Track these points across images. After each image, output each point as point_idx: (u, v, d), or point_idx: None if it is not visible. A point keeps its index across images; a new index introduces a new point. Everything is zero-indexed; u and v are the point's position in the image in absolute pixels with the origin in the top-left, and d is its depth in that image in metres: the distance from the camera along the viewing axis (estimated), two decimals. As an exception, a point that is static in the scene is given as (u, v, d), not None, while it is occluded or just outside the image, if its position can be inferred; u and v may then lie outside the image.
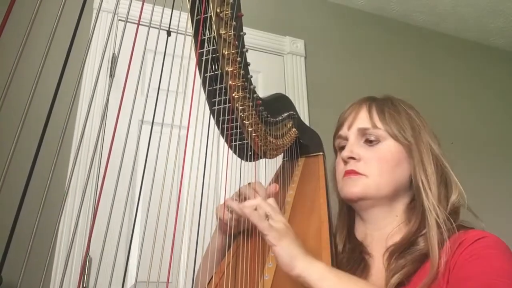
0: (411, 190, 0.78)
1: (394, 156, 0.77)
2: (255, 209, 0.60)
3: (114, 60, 1.78)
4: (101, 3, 0.48)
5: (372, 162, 0.76)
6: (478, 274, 0.60)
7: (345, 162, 0.78)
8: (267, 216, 0.60)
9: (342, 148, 0.82)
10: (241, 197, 0.77)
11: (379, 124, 0.78)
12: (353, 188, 0.76)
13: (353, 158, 0.77)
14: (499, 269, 0.60)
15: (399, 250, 0.71)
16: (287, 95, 2.03)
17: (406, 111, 0.81)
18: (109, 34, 0.54)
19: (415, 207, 0.75)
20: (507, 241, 0.67)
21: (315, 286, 0.56)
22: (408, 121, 0.79)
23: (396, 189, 0.77)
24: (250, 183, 0.79)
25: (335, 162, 0.86)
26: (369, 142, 0.78)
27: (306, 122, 2.05)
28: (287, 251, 0.57)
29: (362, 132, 0.79)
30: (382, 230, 0.77)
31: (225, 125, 0.74)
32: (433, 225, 0.69)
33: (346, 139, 0.81)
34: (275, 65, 2.19)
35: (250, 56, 0.73)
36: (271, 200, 0.65)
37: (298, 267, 0.56)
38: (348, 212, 0.85)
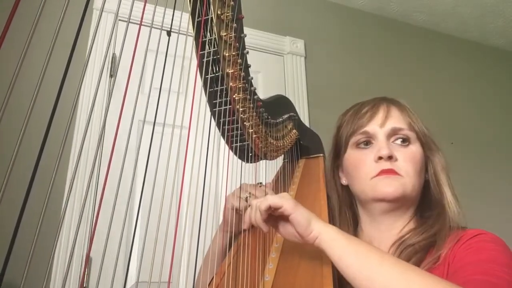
0: (420, 194, 0.80)
1: (422, 158, 0.78)
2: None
3: (115, 60, 1.78)
4: (104, 4, 0.48)
5: (408, 162, 0.76)
6: (475, 262, 0.62)
7: (378, 160, 0.76)
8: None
9: (364, 143, 0.79)
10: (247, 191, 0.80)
11: (412, 125, 0.79)
12: (391, 187, 0.74)
13: (390, 157, 0.75)
14: (496, 259, 0.61)
15: (404, 244, 0.73)
16: (287, 95, 2.03)
17: (416, 114, 0.83)
18: (111, 34, 0.54)
19: (433, 209, 0.77)
20: (507, 241, 0.68)
21: (328, 246, 0.59)
22: (423, 124, 0.82)
23: (419, 191, 0.78)
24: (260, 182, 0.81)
25: (352, 158, 0.81)
26: (402, 142, 0.78)
27: (306, 122, 2.06)
28: (305, 216, 0.61)
29: (395, 131, 0.78)
30: (392, 231, 0.78)
31: (226, 127, 0.74)
32: (447, 226, 0.72)
33: (372, 136, 0.79)
34: (275, 65, 2.19)
35: (250, 56, 0.73)
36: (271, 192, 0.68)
37: (316, 228, 0.60)
38: (349, 215, 0.85)
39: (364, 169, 0.77)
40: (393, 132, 0.78)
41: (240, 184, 0.79)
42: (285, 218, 0.63)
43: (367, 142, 0.79)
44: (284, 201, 0.61)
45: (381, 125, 0.79)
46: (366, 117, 0.80)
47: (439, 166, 0.79)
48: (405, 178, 0.74)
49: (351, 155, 0.81)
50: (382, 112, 0.80)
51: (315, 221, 0.61)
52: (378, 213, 0.78)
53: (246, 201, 0.76)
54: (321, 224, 0.61)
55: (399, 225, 0.78)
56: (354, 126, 0.81)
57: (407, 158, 0.76)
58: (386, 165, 0.75)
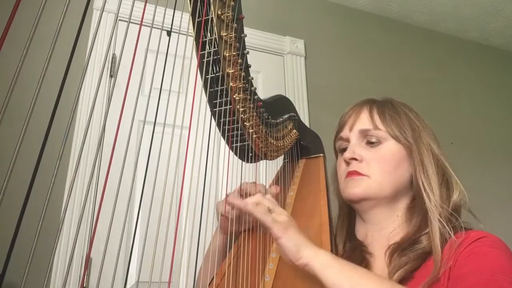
0: (411, 190, 0.79)
1: (395, 156, 0.77)
2: (257, 205, 0.62)
3: (115, 60, 1.78)
4: (104, 4, 0.48)
5: (374, 162, 0.77)
6: (478, 270, 0.61)
7: (347, 163, 0.79)
8: (269, 211, 0.62)
9: (344, 150, 0.82)
10: (241, 193, 0.78)
11: (380, 125, 0.79)
12: (355, 188, 0.76)
13: (355, 159, 0.78)
14: (499, 266, 0.61)
15: (401, 248, 0.71)
16: (287, 95, 2.04)
17: (406, 112, 0.82)
18: (112, 34, 0.54)
19: (416, 207, 0.76)
20: (507, 241, 0.68)
21: (320, 273, 0.57)
22: (408, 122, 0.80)
23: (397, 189, 0.77)
24: (254, 182, 0.80)
25: (336, 164, 0.87)
26: (370, 143, 0.79)
27: (306, 122, 2.06)
28: (293, 241, 0.59)
29: (364, 133, 0.80)
30: (383, 231, 0.78)
31: (226, 127, 0.74)
32: (436, 225, 0.70)
33: (347, 140, 0.82)
34: (275, 65, 2.19)
35: (250, 56, 0.73)
36: (269, 197, 0.66)
37: (305, 255, 0.58)
38: (349, 213, 0.86)
39: (339, 172, 0.82)
40: (362, 134, 0.80)
41: (240, 184, 0.79)
42: None
43: (345, 147, 0.82)
44: (275, 224, 0.59)
45: (350, 128, 0.82)
46: (342, 122, 0.85)
47: (419, 164, 0.77)
48: (370, 178, 0.76)
49: (337, 161, 0.86)
50: (353, 115, 0.83)
51: (304, 247, 0.59)
52: (362, 212, 0.81)
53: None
54: (310, 251, 0.59)
55: (387, 224, 0.78)
56: (336, 132, 0.86)
57: (375, 158, 0.77)
58: (351, 167, 0.78)
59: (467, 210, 0.77)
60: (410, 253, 0.69)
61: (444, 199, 0.74)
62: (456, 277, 0.62)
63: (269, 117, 0.85)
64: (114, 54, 1.81)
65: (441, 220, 0.70)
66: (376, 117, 0.80)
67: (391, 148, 0.78)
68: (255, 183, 0.79)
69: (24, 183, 0.32)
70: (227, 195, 0.76)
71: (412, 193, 0.79)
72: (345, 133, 0.83)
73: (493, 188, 2.44)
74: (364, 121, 0.81)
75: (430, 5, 2.59)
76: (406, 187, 0.78)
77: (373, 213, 0.79)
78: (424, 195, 0.74)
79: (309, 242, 0.60)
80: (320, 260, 0.58)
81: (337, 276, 0.56)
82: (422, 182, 0.75)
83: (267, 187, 0.82)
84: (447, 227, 0.69)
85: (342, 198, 0.85)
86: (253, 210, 0.61)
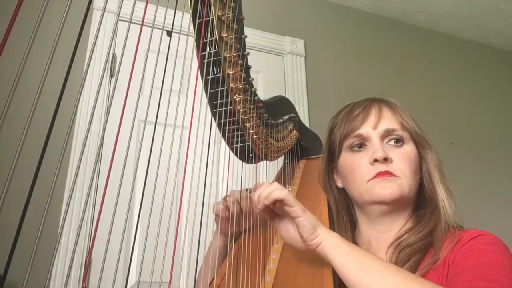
0: (416, 193, 0.79)
1: (416, 157, 0.78)
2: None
3: (115, 60, 1.78)
4: (105, 4, 0.48)
5: (402, 163, 0.75)
6: (476, 265, 0.61)
7: (374, 163, 0.75)
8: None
9: (357, 146, 0.79)
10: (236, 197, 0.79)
11: (406, 125, 0.79)
12: (388, 189, 0.73)
13: (386, 159, 0.75)
14: (496, 262, 0.61)
15: (402, 245, 0.73)
16: (287, 95, 2.03)
17: (408, 113, 0.82)
18: (113, 34, 0.54)
19: (427, 207, 0.77)
20: (507, 241, 0.68)
21: (330, 253, 0.60)
22: (415, 122, 0.81)
23: (416, 191, 0.78)
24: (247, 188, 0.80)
25: (342, 161, 0.81)
26: (396, 142, 0.77)
27: (306, 123, 2.06)
28: (311, 221, 0.62)
29: (389, 132, 0.78)
30: (390, 233, 0.78)
31: (227, 128, 0.74)
32: (443, 223, 0.72)
33: (366, 139, 0.78)
34: (275, 65, 2.19)
35: (250, 56, 0.73)
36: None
37: (320, 234, 0.61)
38: (346, 218, 0.84)
39: (360, 172, 0.77)
40: (387, 133, 0.78)
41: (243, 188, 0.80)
42: (289, 218, 0.63)
43: (361, 144, 0.78)
44: (296, 203, 0.62)
45: (374, 126, 0.78)
46: (358, 120, 0.79)
47: (431, 164, 0.78)
48: (401, 179, 0.74)
49: (346, 159, 0.80)
50: (374, 113, 0.79)
51: (320, 228, 0.62)
52: (376, 215, 0.78)
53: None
54: (325, 231, 0.62)
55: (396, 226, 0.77)
56: (347, 129, 0.80)
57: (402, 158, 0.76)
58: (382, 167, 0.74)
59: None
60: (414, 244, 0.71)
61: (449, 200, 0.76)
62: (454, 273, 0.63)
63: (270, 118, 0.86)
64: (114, 54, 1.81)
65: (448, 219, 0.73)
66: (398, 117, 0.79)
67: (412, 149, 0.78)
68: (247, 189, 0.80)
69: (25, 183, 0.32)
70: (225, 197, 0.77)
71: (418, 195, 0.79)
72: (365, 130, 0.78)
73: (493, 188, 2.44)
74: (389, 120, 0.79)
75: (430, 5, 2.59)
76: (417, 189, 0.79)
77: (388, 216, 0.77)
78: (437, 197, 0.76)
79: (322, 224, 0.63)
80: (333, 241, 0.61)
81: (347, 256, 0.59)
82: (430, 185, 0.77)
83: (289, 187, 0.82)
84: (451, 224, 0.72)
85: (342, 201, 0.84)
86: (277, 193, 0.62)
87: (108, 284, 0.45)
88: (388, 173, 0.74)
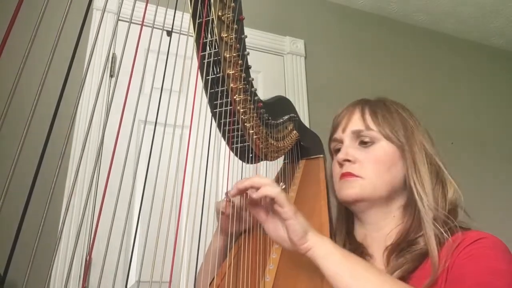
0: (406, 190, 0.78)
1: (388, 157, 0.77)
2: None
3: (115, 60, 1.78)
4: (105, 4, 0.48)
5: (367, 163, 0.77)
6: (476, 273, 0.61)
7: (341, 165, 0.79)
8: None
9: (338, 150, 0.82)
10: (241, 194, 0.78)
11: (372, 125, 0.79)
12: (349, 190, 0.76)
13: (348, 160, 0.78)
14: (497, 269, 0.60)
15: (398, 249, 0.71)
16: (287, 95, 2.03)
17: (398, 112, 0.82)
18: (113, 34, 0.54)
19: (410, 207, 0.76)
20: (506, 241, 0.67)
21: (321, 260, 0.57)
22: (401, 121, 0.80)
23: (391, 190, 0.77)
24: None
25: (332, 165, 0.86)
26: (363, 143, 0.79)
27: (306, 122, 2.06)
28: (302, 225, 0.59)
29: (356, 134, 0.80)
30: (380, 231, 0.78)
31: (227, 128, 0.74)
32: (430, 225, 0.70)
33: (341, 142, 0.82)
34: (275, 65, 2.19)
35: (250, 56, 0.73)
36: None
37: (311, 240, 0.58)
38: (347, 214, 0.85)
39: (334, 174, 0.82)
40: (355, 135, 0.80)
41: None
42: (280, 219, 0.60)
43: (339, 148, 0.82)
44: (288, 204, 0.58)
45: (343, 130, 0.82)
46: (336, 124, 0.85)
47: (409, 160, 0.77)
48: (364, 179, 0.76)
49: (332, 162, 0.86)
50: (346, 116, 0.83)
51: (312, 233, 0.59)
52: (358, 213, 0.81)
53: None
54: (317, 237, 0.59)
55: (384, 224, 0.78)
56: (330, 133, 0.86)
57: (368, 159, 0.77)
58: (344, 168, 0.78)
59: (462, 209, 0.77)
60: (407, 254, 0.69)
61: (440, 199, 0.74)
62: (453, 278, 0.62)
63: (270, 118, 0.86)
64: (114, 54, 1.81)
65: (436, 222, 0.70)
66: (368, 117, 0.80)
67: (384, 148, 0.78)
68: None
69: (25, 183, 0.32)
70: (226, 193, 0.76)
71: (407, 193, 0.78)
72: (338, 134, 0.83)
73: (493, 187, 2.44)
74: (356, 122, 0.81)
75: (430, 5, 2.59)
76: (400, 187, 0.78)
77: (369, 214, 0.79)
78: (416, 196, 0.74)
79: (315, 229, 0.60)
80: (324, 248, 0.58)
81: (340, 266, 0.56)
82: (414, 183, 0.75)
83: (283, 185, 0.82)
84: (442, 229, 0.69)
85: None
86: (267, 190, 0.58)
87: (108, 284, 0.45)
88: (349, 174, 0.77)
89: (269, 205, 0.61)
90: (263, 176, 0.63)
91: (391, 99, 0.86)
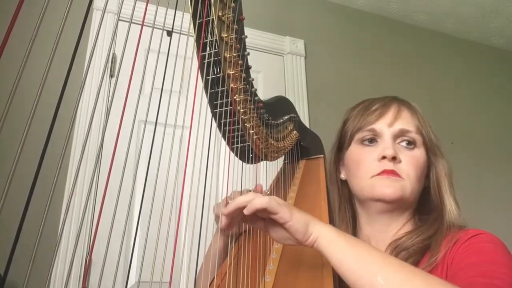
0: (420, 198, 0.79)
1: (425, 163, 0.78)
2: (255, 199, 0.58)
3: (115, 60, 1.78)
4: (106, 4, 0.48)
5: (410, 166, 0.75)
6: (476, 263, 0.61)
7: (381, 160, 0.75)
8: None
9: (368, 141, 0.79)
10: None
11: (421, 129, 0.78)
12: (390, 188, 0.73)
13: (394, 158, 0.75)
14: (496, 259, 0.61)
15: (402, 246, 0.72)
16: (287, 95, 2.04)
17: (428, 121, 0.82)
18: (113, 34, 0.54)
19: (431, 214, 0.76)
20: (506, 241, 0.68)
21: (326, 249, 0.56)
22: (431, 129, 0.80)
23: (418, 196, 0.78)
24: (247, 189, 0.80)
25: (350, 153, 0.82)
26: (408, 144, 0.77)
27: (306, 123, 2.06)
28: (301, 222, 0.57)
29: (403, 133, 0.77)
30: (388, 233, 0.78)
31: (227, 128, 0.74)
32: (445, 228, 0.72)
33: (378, 135, 0.78)
34: (275, 65, 2.19)
35: (250, 56, 0.73)
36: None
37: (314, 232, 0.57)
38: (348, 212, 0.85)
39: (365, 167, 0.76)
40: (400, 134, 0.77)
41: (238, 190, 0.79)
42: (277, 223, 0.58)
43: (372, 139, 0.78)
44: (281, 208, 0.56)
45: (390, 124, 0.78)
46: (375, 115, 0.79)
47: (442, 173, 0.78)
48: (405, 181, 0.74)
49: (354, 151, 0.80)
50: (392, 111, 0.79)
51: (313, 223, 0.57)
52: (374, 212, 0.78)
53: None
54: (319, 226, 0.57)
55: (394, 227, 0.77)
56: (362, 122, 0.80)
57: (411, 161, 0.75)
58: (388, 165, 0.74)
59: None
60: (410, 248, 0.70)
61: (453, 207, 0.75)
62: (454, 272, 0.63)
63: (270, 118, 0.86)
64: (114, 54, 1.81)
65: (452, 224, 0.72)
66: (416, 120, 0.79)
67: (423, 154, 0.77)
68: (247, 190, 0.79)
69: (25, 183, 0.32)
70: (227, 197, 0.76)
71: (419, 201, 0.79)
72: (380, 127, 0.78)
73: (493, 188, 2.44)
74: (406, 121, 0.78)
75: (430, 5, 2.59)
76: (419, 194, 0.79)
77: (385, 215, 0.77)
78: (445, 206, 0.75)
79: (314, 217, 0.59)
80: (327, 236, 0.56)
81: (344, 252, 0.55)
82: (437, 194, 0.77)
83: (267, 188, 0.82)
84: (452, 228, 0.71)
85: (344, 193, 0.84)
86: (255, 203, 0.56)
87: (108, 285, 0.45)
88: (393, 173, 0.74)
89: (263, 214, 0.59)
90: (246, 193, 0.62)
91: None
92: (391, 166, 0.74)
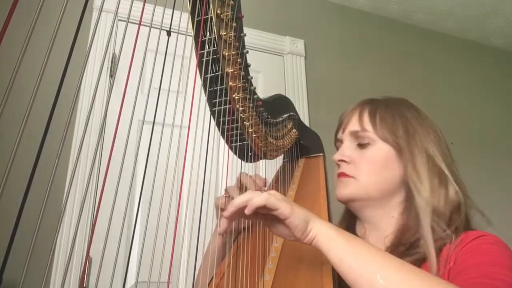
0: (404, 191, 0.77)
1: (382, 158, 0.77)
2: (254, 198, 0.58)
3: (114, 60, 1.78)
4: (103, 3, 0.48)
5: (361, 164, 0.78)
6: (477, 264, 0.61)
7: (338, 165, 0.82)
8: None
9: (338, 148, 0.85)
10: (240, 186, 0.80)
11: (368, 126, 0.79)
12: (342, 190, 0.79)
13: (343, 161, 0.80)
14: (499, 261, 0.61)
15: (396, 251, 0.70)
16: (287, 95, 2.03)
17: (402, 112, 0.80)
18: (111, 34, 0.54)
19: (408, 209, 0.75)
20: (506, 240, 0.68)
21: (325, 247, 0.56)
22: (402, 122, 0.78)
23: (385, 191, 0.77)
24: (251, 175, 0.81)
25: None
26: (360, 145, 0.80)
27: (306, 122, 2.06)
28: (301, 218, 0.56)
29: (354, 135, 0.81)
30: (379, 231, 0.78)
31: (226, 126, 0.74)
32: (427, 227, 0.69)
33: (341, 141, 0.84)
34: (275, 65, 2.19)
35: (250, 56, 0.73)
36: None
37: (313, 229, 0.57)
38: (350, 213, 0.85)
39: (335, 173, 0.83)
40: (353, 136, 0.81)
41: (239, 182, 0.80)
42: (278, 219, 0.58)
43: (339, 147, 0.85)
44: (280, 204, 0.56)
45: (343, 130, 0.84)
46: (339, 123, 0.87)
47: (408, 161, 0.76)
48: (357, 179, 0.77)
49: None
50: (347, 117, 0.84)
51: (313, 221, 0.57)
52: (355, 212, 0.82)
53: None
54: (319, 223, 0.57)
55: (383, 226, 0.77)
56: (335, 133, 0.88)
57: (361, 159, 0.78)
58: (340, 168, 0.81)
59: (473, 209, 0.76)
60: (406, 257, 0.68)
61: (441, 201, 0.72)
62: (456, 272, 0.63)
63: (269, 116, 0.85)
64: (113, 54, 1.81)
65: (435, 223, 0.69)
66: (366, 118, 0.80)
67: (379, 149, 0.77)
68: (251, 176, 0.80)
69: (23, 181, 0.32)
70: (226, 189, 0.77)
71: (405, 194, 0.77)
72: (339, 134, 0.85)
73: (493, 187, 2.44)
74: (354, 122, 0.82)
75: (430, 5, 2.59)
76: (396, 188, 0.77)
77: (367, 213, 0.80)
78: (415, 195, 0.73)
79: (314, 214, 0.59)
80: (327, 235, 0.56)
81: (344, 250, 0.55)
82: (414, 183, 0.74)
83: (266, 187, 0.82)
84: (442, 230, 0.68)
85: None
86: (256, 201, 0.56)
87: (107, 283, 0.45)
88: (342, 174, 0.80)
89: (263, 210, 0.58)
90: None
91: (399, 98, 0.85)
92: (342, 169, 0.80)
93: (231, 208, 0.58)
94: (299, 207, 0.58)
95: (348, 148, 0.81)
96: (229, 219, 0.59)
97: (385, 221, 0.78)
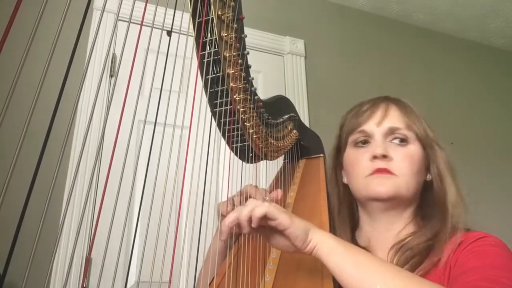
0: (421, 193, 0.79)
1: (420, 158, 0.77)
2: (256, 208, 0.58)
3: (115, 60, 1.78)
4: (105, 4, 0.48)
5: (404, 162, 0.75)
6: (478, 267, 0.61)
7: (373, 159, 0.76)
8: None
9: (361, 143, 0.80)
10: (243, 196, 0.78)
11: (411, 125, 0.79)
12: (383, 187, 0.74)
13: (385, 156, 0.75)
14: (498, 263, 0.61)
15: (406, 247, 0.72)
16: (287, 95, 2.04)
17: (422, 117, 0.82)
18: (112, 34, 0.54)
19: (435, 209, 0.76)
20: (506, 240, 0.68)
21: (325, 257, 0.56)
22: (427, 125, 0.81)
23: (417, 191, 0.78)
24: (255, 185, 0.80)
25: (346, 156, 0.83)
26: (400, 141, 0.78)
27: (306, 122, 2.06)
28: (301, 228, 0.57)
29: (393, 131, 0.78)
30: (390, 232, 0.78)
31: (226, 127, 0.74)
32: (449, 226, 0.71)
33: (369, 135, 0.80)
34: (275, 65, 2.19)
35: (250, 56, 0.73)
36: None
37: (313, 240, 0.57)
38: (349, 213, 0.85)
39: (360, 167, 0.78)
40: (390, 132, 0.78)
41: (240, 189, 0.79)
42: (277, 230, 0.57)
43: (365, 141, 0.80)
44: (280, 214, 0.56)
45: (378, 124, 0.79)
46: (364, 116, 0.81)
47: (442, 165, 0.78)
48: (399, 177, 0.74)
49: (349, 154, 0.82)
50: (380, 111, 0.80)
51: (313, 230, 0.58)
52: (375, 212, 0.79)
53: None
54: (318, 234, 0.58)
55: (397, 226, 0.77)
56: (353, 125, 0.82)
57: (404, 157, 0.76)
58: (380, 164, 0.75)
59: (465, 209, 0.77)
60: (414, 248, 0.70)
61: (459, 201, 0.75)
62: (456, 275, 0.63)
63: (269, 117, 0.85)
64: (114, 54, 1.81)
65: (454, 221, 0.71)
66: (406, 116, 0.79)
67: (417, 149, 0.78)
68: (256, 186, 0.79)
69: (24, 183, 0.32)
70: (231, 197, 0.76)
71: (421, 197, 0.79)
72: (369, 127, 0.80)
73: (493, 187, 2.44)
74: (395, 119, 0.79)
75: (430, 5, 2.59)
76: (420, 190, 0.79)
77: (386, 214, 0.78)
78: (447, 199, 0.75)
79: (314, 225, 0.59)
80: (327, 245, 0.57)
81: (343, 259, 0.56)
82: (444, 185, 0.76)
83: (267, 187, 0.82)
84: (450, 226, 0.70)
85: (345, 197, 0.84)
86: (256, 211, 0.56)
87: (108, 284, 0.45)
88: (385, 171, 0.74)
89: (263, 221, 0.57)
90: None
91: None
92: (383, 165, 0.75)
93: (231, 217, 0.58)
94: (298, 218, 0.58)
95: (386, 144, 0.77)
96: (230, 228, 0.59)
97: (399, 222, 0.78)
